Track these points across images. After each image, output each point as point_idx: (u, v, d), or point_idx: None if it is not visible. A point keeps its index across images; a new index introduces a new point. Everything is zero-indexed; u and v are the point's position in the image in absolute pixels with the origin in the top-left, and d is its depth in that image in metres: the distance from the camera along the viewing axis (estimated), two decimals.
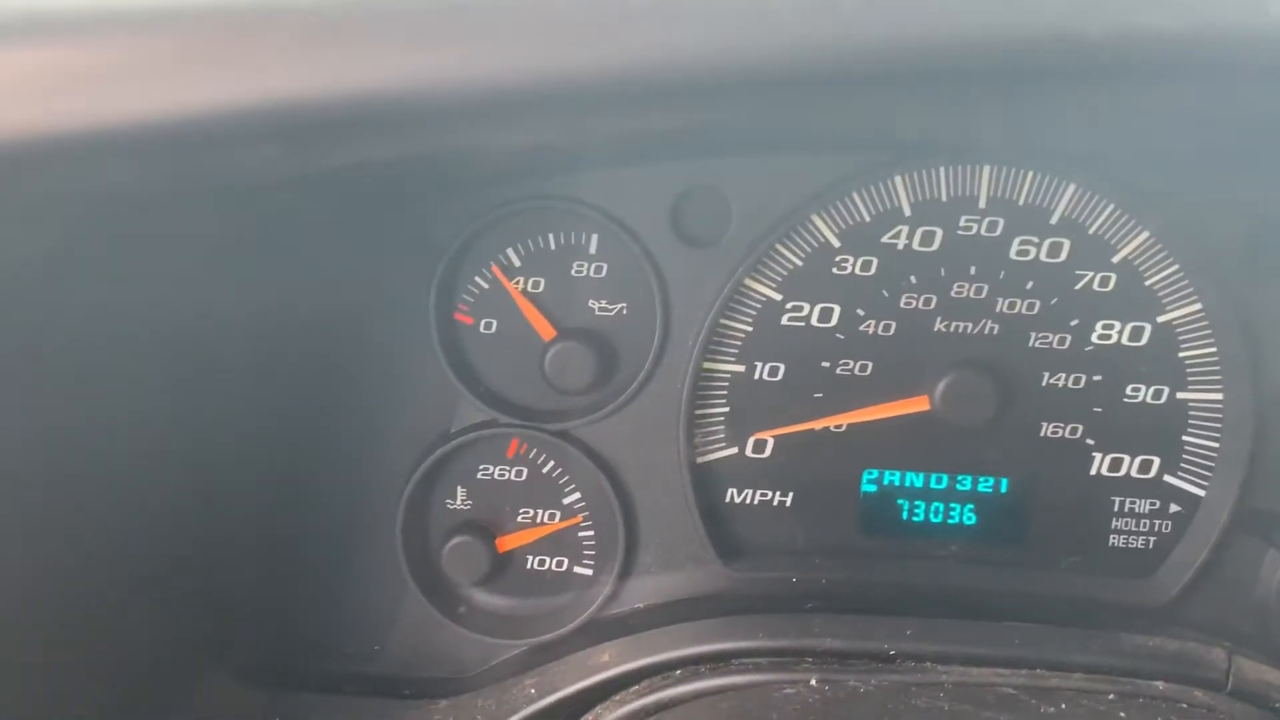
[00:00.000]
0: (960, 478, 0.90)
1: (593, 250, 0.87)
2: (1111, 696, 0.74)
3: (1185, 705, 0.74)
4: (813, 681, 0.74)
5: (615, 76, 0.38)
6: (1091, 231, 0.84)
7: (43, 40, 0.47)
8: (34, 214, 0.55)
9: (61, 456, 0.70)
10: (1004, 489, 0.90)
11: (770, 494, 0.91)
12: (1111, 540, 0.90)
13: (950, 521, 0.91)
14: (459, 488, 0.93)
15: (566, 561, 0.93)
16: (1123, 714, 0.71)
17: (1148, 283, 0.84)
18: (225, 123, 0.40)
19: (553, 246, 0.88)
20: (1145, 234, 0.83)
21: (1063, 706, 0.72)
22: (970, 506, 0.91)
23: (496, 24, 0.38)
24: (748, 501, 0.92)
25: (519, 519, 0.93)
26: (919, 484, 0.90)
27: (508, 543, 0.93)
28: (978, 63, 0.41)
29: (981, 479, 0.90)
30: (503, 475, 0.92)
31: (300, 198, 0.72)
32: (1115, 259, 0.84)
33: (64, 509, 0.72)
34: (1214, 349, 0.85)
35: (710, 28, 0.43)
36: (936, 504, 0.91)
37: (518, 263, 0.88)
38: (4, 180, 0.50)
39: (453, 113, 0.40)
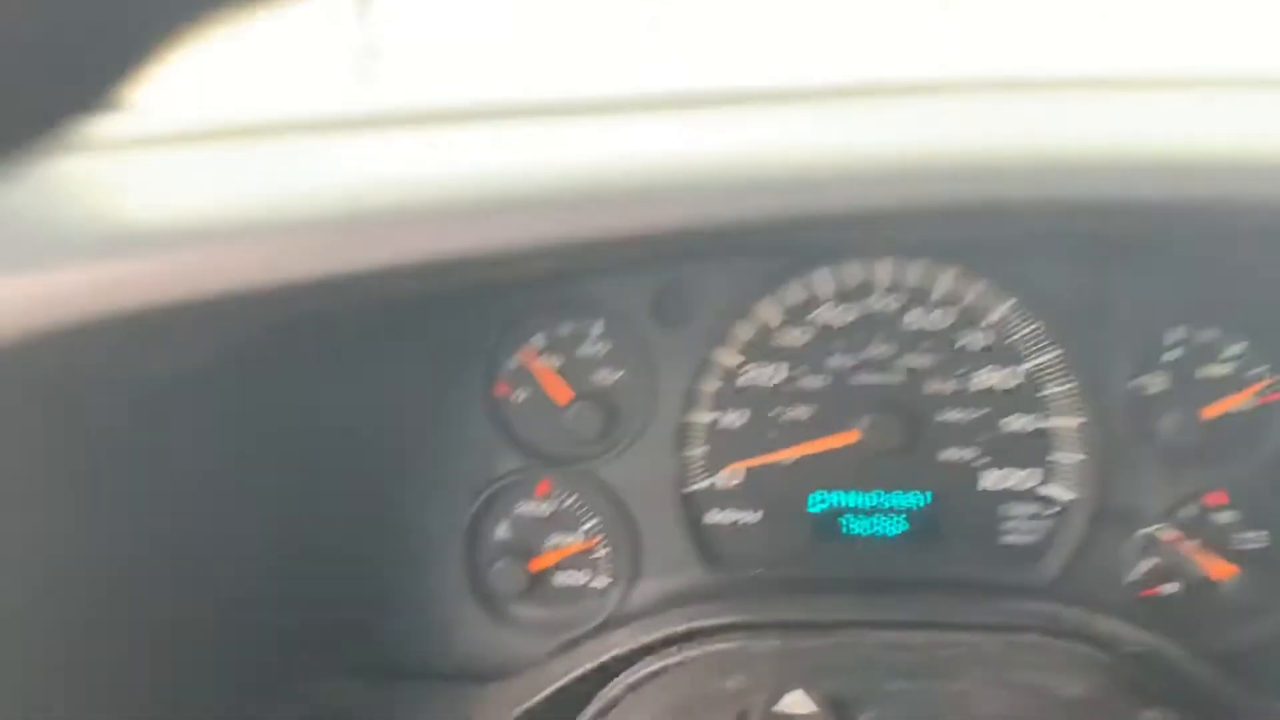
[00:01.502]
0: (890, 494, 1.17)
1: (597, 333, 1.15)
2: (995, 645, 1.00)
3: (1048, 650, 0.99)
4: (774, 643, 1.00)
5: (608, 237, 0.66)
6: (968, 303, 1.11)
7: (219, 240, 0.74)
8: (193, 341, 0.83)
9: (210, 524, 0.98)
10: (922, 501, 1.16)
11: (741, 514, 1.17)
12: (1005, 538, 1.15)
13: (883, 528, 1.17)
14: (501, 521, 1.19)
15: (586, 575, 1.19)
16: (1001, 655, 0.97)
17: (1014, 339, 1.11)
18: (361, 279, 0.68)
19: (567, 332, 1.16)
20: (1011, 301, 1.11)
21: (961, 651, 0.98)
22: (898, 516, 1.17)
23: (532, 206, 0.67)
24: (724, 521, 1.17)
25: (548, 544, 1.19)
26: (856, 502, 1.17)
27: (539, 563, 1.19)
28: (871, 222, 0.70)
29: (904, 494, 1.16)
30: (535, 509, 1.19)
31: (383, 327, 1.02)
32: (987, 322, 1.12)
33: (212, 555, 0.99)
34: (1071, 386, 1.12)
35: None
36: (873, 517, 1.17)
37: (542, 345, 1.16)
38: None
39: (510, 259, 0.67)
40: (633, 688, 1.00)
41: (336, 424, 1.09)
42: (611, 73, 1.18)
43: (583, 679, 1.05)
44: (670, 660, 1.01)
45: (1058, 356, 1.11)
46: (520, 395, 1.17)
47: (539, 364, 1.16)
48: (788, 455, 1.15)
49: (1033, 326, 1.11)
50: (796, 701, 0.76)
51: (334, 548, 1.12)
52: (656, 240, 0.68)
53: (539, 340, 1.16)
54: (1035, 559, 1.14)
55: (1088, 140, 0.81)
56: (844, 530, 1.16)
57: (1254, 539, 1.13)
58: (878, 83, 0.96)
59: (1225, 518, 1.13)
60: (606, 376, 1.16)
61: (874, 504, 1.16)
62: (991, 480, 1.14)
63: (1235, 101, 0.89)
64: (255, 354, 0.93)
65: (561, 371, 1.16)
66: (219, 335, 0.84)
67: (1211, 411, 1.11)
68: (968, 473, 1.14)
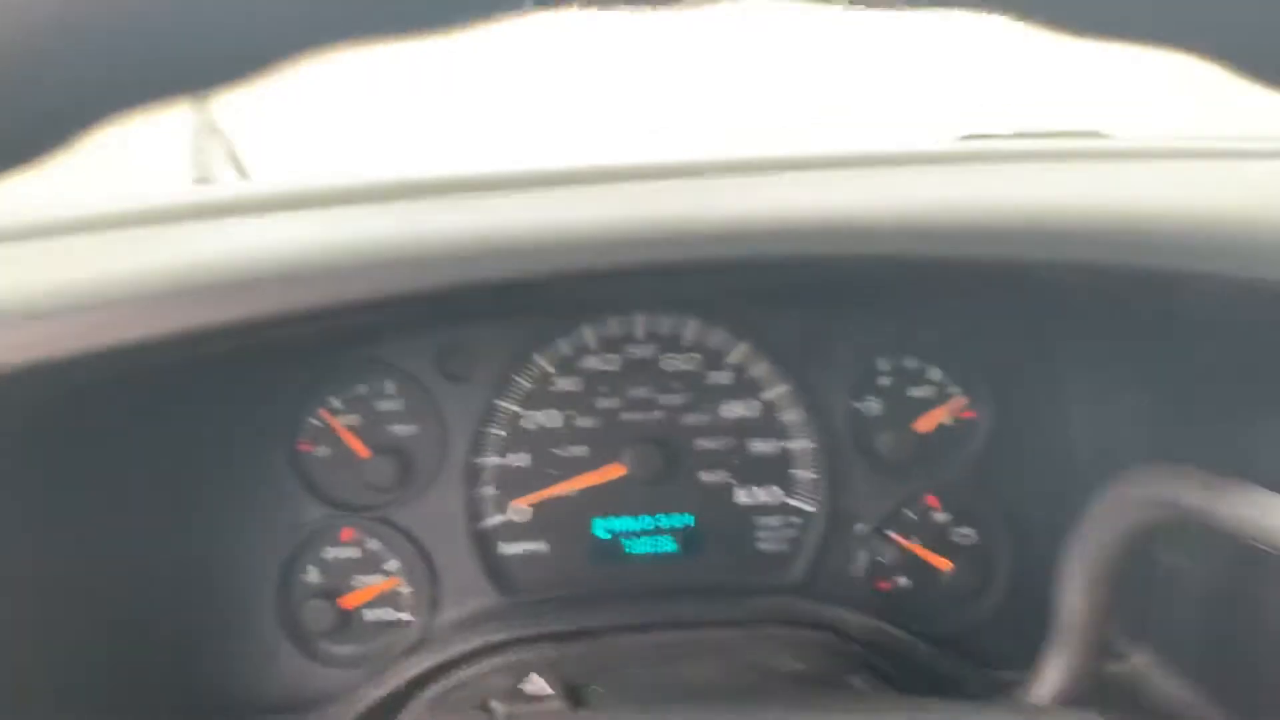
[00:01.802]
0: (659, 517, 1.33)
1: (390, 392, 1.29)
2: (737, 637, 1.17)
3: (783, 638, 1.17)
4: (549, 651, 1.14)
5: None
6: (711, 346, 1.30)
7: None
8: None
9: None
10: (690, 522, 1.33)
11: (530, 545, 1.32)
12: (760, 546, 1.33)
13: (657, 547, 1.33)
14: (310, 566, 1.30)
15: (391, 611, 1.31)
16: (740, 644, 1.14)
17: (751, 375, 1.31)
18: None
19: (363, 392, 1.29)
20: (744, 345, 1.31)
21: (705, 644, 1.14)
22: (670, 537, 1.34)
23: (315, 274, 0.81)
24: (516, 552, 1.32)
25: (354, 584, 1.30)
26: (632, 526, 1.33)
27: (348, 602, 1.29)
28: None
29: (673, 516, 1.33)
30: (340, 554, 1.30)
31: (190, 392, 1.13)
32: (728, 361, 1.31)
33: (34, 603, 1.07)
34: (798, 414, 1.32)
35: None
36: (647, 538, 1.34)
37: (340, 405, 1.29)
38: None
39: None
40: (427, 704, 1.12)
41: (152, 479, 1.18)
42: (396, 159, 1.32)
43: (385, 701, 1.17)
44: (460, 675, 1.14)
45: (788, 388, 1.30)
46: (321, 450, 1.29)
47: (337, 422, 1.28)
48: (567, 489, 1.31)
49: (765, 364, 1.30)
50: (537, 685, 0.90)
51: (153, 596, 1.20)
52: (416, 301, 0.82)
53: (336, 401, 1.28)
54: (785, 563, 1.33)
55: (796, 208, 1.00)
56: (624, 551, 1.32)
57: (965, 535, 1.35)
58: (619, 167, 1.15)
59: (940, 518, 1.34)
60: (400, 430, 1.29)
61: (647, 526, 1.32)
62: (744, 497, 1.32)
63: (893, 176, 1.10)
64: (67, 415, 1.02)
65: (358, 428, 1.29)
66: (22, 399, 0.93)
67: (920, 426, 1.32)
68: (723, 491, 1.32)
